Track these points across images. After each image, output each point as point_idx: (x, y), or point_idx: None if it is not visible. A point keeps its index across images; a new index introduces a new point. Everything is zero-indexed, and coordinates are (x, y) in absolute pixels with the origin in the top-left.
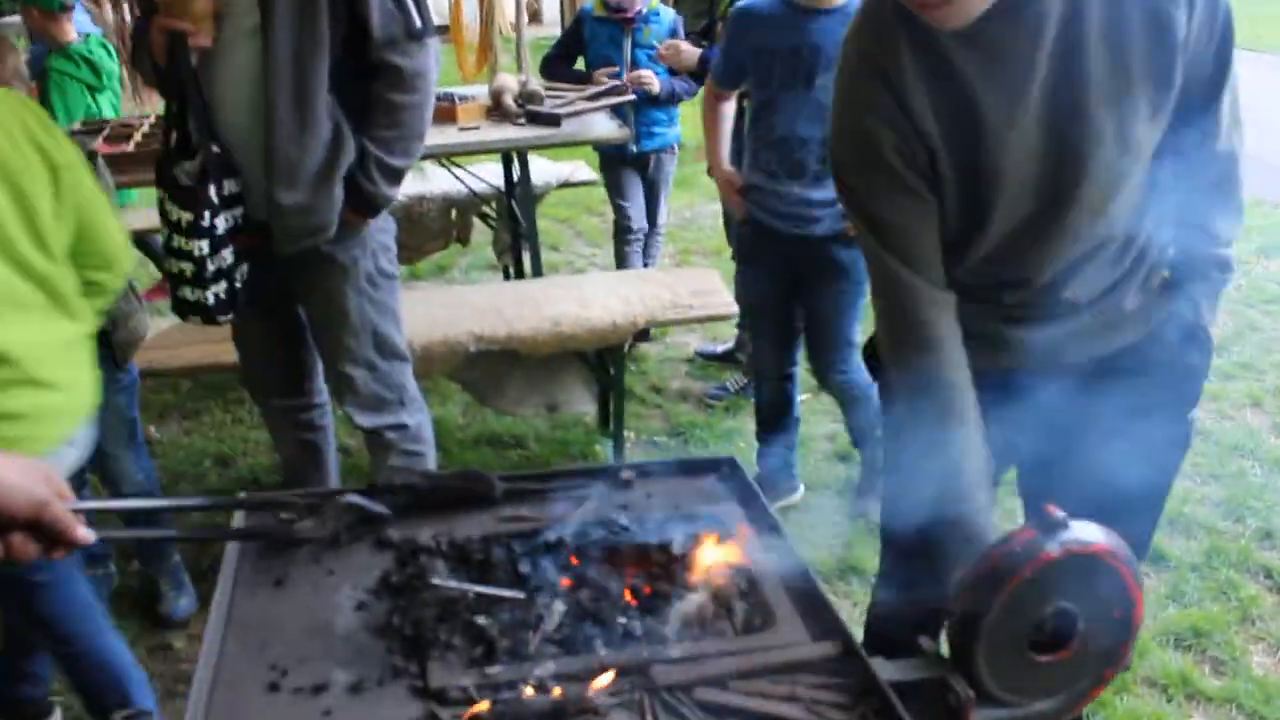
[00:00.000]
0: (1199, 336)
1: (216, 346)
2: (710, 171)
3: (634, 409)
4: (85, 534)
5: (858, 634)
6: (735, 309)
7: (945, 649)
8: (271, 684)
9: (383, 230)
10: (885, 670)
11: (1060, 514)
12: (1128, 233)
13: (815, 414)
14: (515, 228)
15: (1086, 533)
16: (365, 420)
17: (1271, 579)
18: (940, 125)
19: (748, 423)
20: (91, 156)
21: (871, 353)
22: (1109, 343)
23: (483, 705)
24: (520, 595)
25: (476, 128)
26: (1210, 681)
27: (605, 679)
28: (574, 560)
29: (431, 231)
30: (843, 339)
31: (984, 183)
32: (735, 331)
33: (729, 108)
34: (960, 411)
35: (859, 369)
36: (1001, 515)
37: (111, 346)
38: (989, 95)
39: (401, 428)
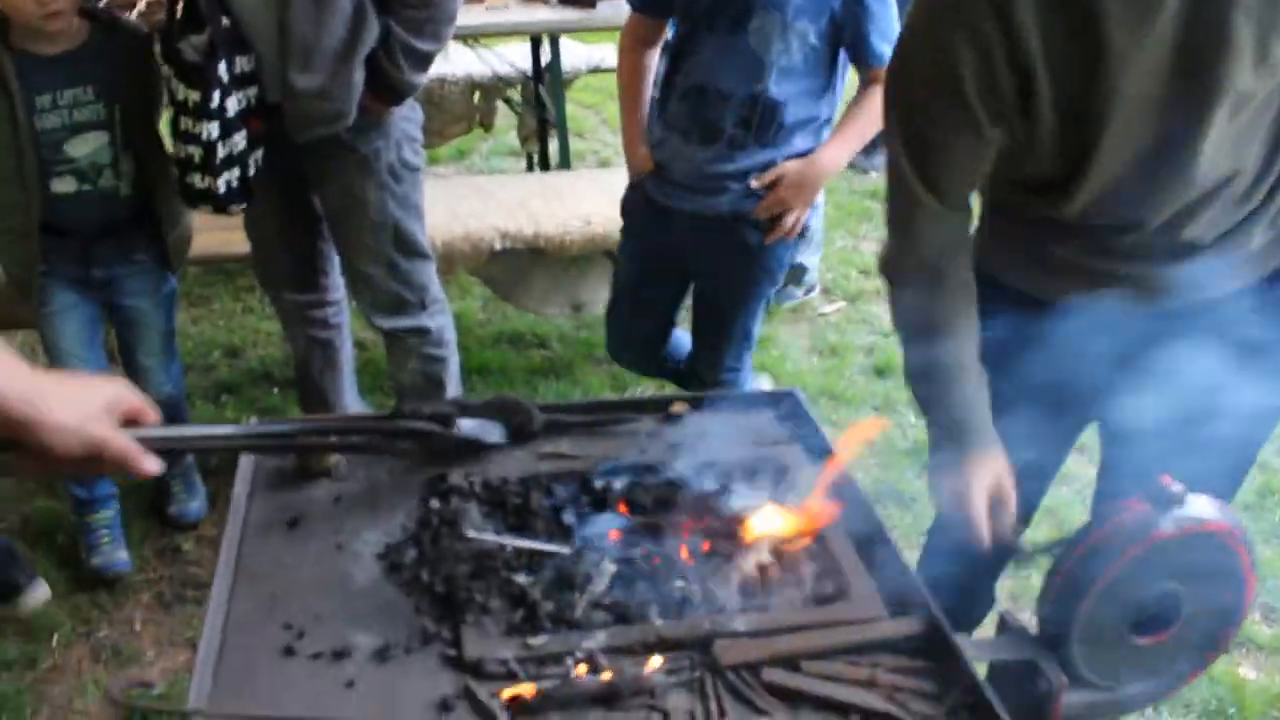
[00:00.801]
0: None
1: (228, 234)
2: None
3: None
4: (152, 465)
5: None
6: None
7: (1032, 626)
8: (286, 647)
9: (407, 119)
10: (972, 649)
11: (1176, 486)
12: (1261, 165)
13: (852, 323)
14: (542, 114)
15: (1203, 509)
16: (384, 322)
17: None
18: (1048, 43)
19: (781, 330)
20: None
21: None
22: (1228, 283)
23: (527, 688)
24: (565, 550)
25: (505, 6)
26: (1262, 630)
27: (659, 659)
28: (622, 509)
29: (453, 115)
30: (740, 334)
31: (1093, 113)
32: None
33: (653, 57)
34: (958, 337)
35: (749, 371)
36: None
37: (165, 248)
38: (1115, 4)
39: (422, 331)
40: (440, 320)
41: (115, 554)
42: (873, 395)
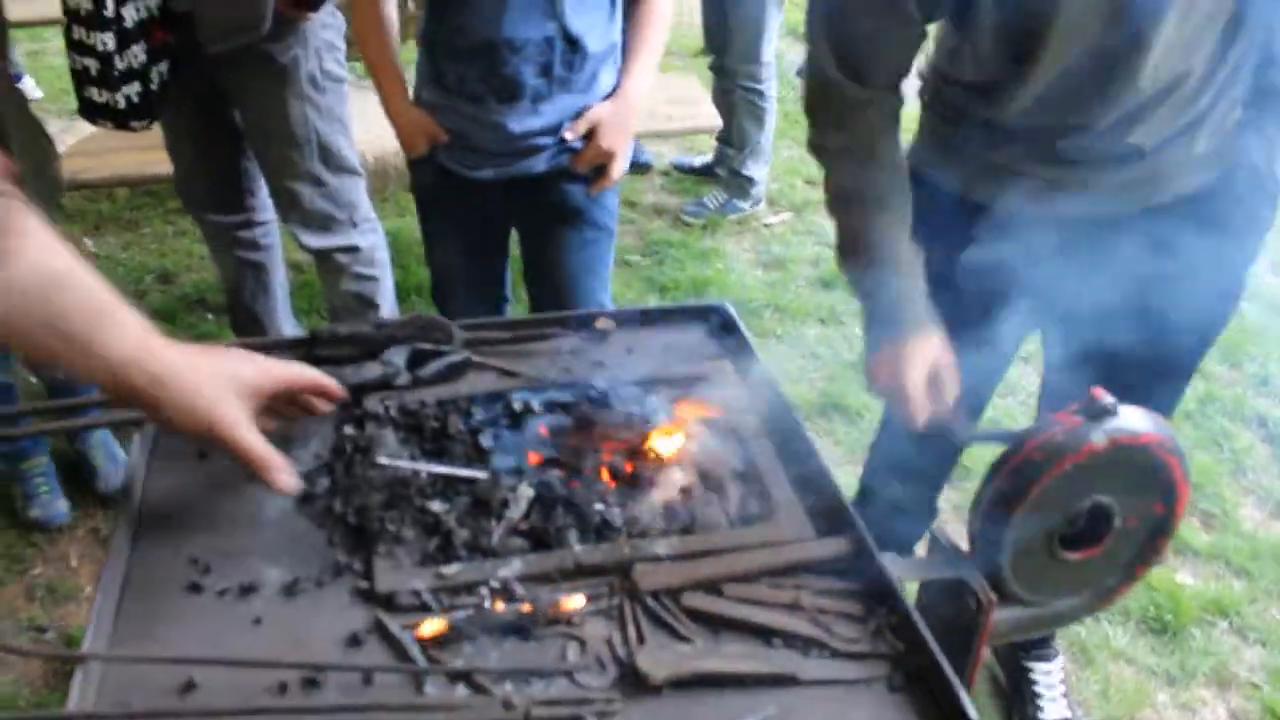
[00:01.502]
0: (1268, 186)
1: (150, 154)
2: (388, 114)
3: None
4: (288, 483)
5: (843, 476)
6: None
7: (964, 543)
8: (192, 584)
9: (327, 26)
10: (898, 568)
11: (1109, 399)
12: (1208, 67)
13: (798, 235)
14: None
15: (1135, 421)
16: (313, 241)
17: (1265, 428)
18: None
19: (726, 242)
20: None
21: None
22: (1169, 188)
23: (439, 623)
24: (482, 475)
25: None
26: (1199, 536)
27: (578, 598)
28: (543, 432)
29: None
30: (592, 305)
31: (1039, 11)
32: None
33: (393, 5)
34: (889, 214)
35: None
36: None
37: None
38: None
39: (353, 250)
40: (371, 239)
41: (55, 504)
42: (818, 307)
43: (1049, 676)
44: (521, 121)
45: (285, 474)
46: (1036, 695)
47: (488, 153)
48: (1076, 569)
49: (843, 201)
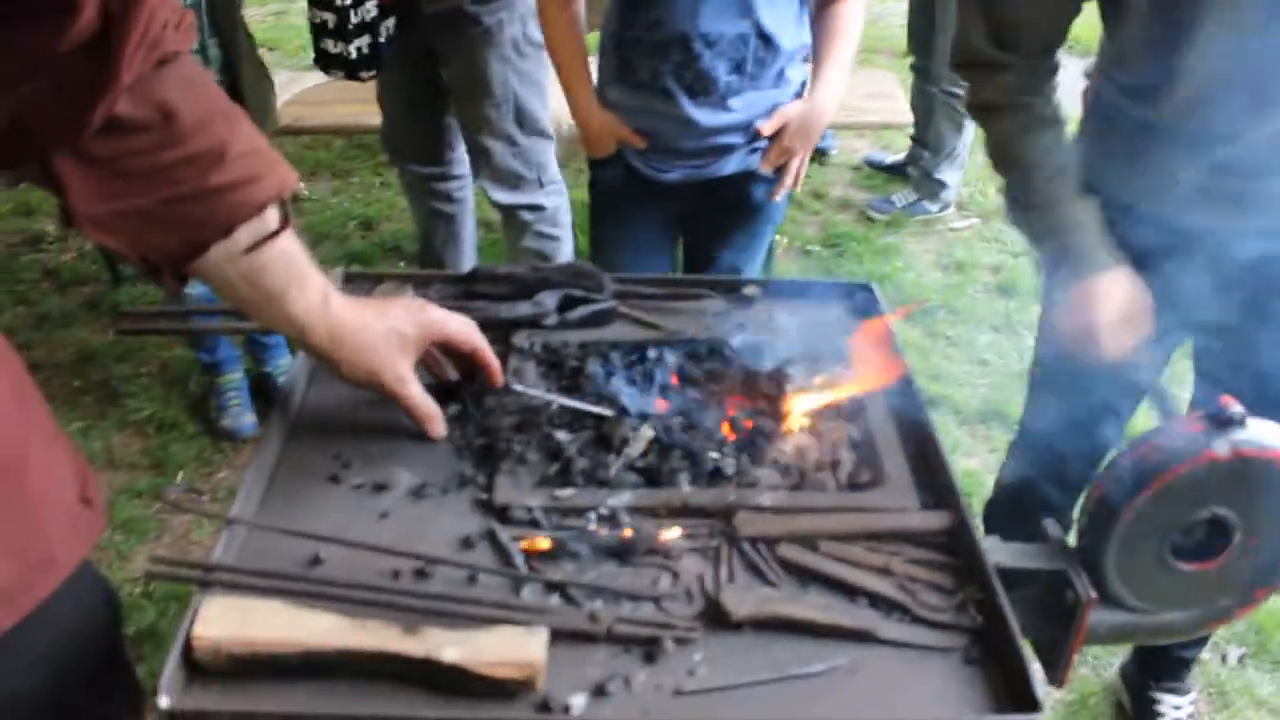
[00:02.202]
0: None
1: (363, 107)
2: (577, 117)
3: (790, 212)
4: (438, 429)
5: (992, 483)
6: (908, 117)
7: (1073, 539)
8: (333, 475)
9: None
10: (997, 553)
11: (1237, 408)
12: None
13: (983, 241)
14: None
15: (1266, 434)
16: (501, 196)
17: None
18: None
19: (908, 241)
20: None
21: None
22: None
23: (543, 542)
24: (608, 413)
25: None
26: None
27: (675, 530)
28: (675, 380)
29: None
30: None
31: (1184, 6)
32: (909, 142)
33: (582, 6)
34: (1052, 165)
35: None
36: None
37: None
38: None
39: (538, 209)
40: (556, 200)
41: (243, 417)
42: (993, 313)
43: (1178, 712)
44: (713, 116)
45: (438, 423)
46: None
47: (678, 151)
48: (1188, 581)
49: (1002, 157)
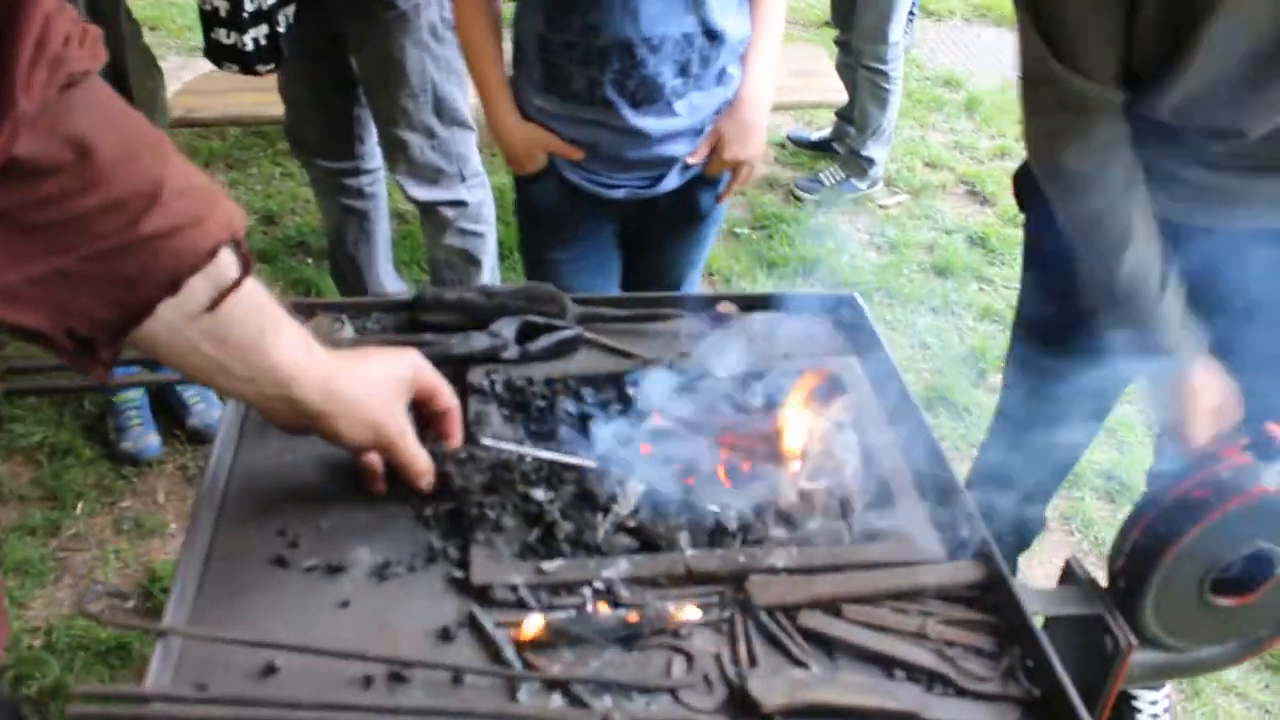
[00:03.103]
0: None
1: (261, 95)
2: (496, 130)
3: None
4: (427, 483)
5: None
6: (843, 95)
7: (1101, 575)
8: (279, 558)
9: None
10: (1031, 600)
11: None
12: None
13: (914, 218)
14: None
15: None
16: (420, 193)
17: None
18: None
19: (839, 221)
20: None
21: (1021, 182)
22: None
23: (538, 626)
24: (590, 464)
25: None
26: None
27: (692, 610)
28: (657, 420)
29: None
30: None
31: (1194, 6)
32: (833, 118)
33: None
34: (1133, 220)
35: None
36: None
37: None
38: None
39: (459, 204)
40: (479, 194)
41: (145, 438)
42: (931, 295)
43: (1154, 706)
44: (659, 124)
45: (430, 477)
46: None
47: (622, 163)
48: (1225, 616)
49: (1091, 232)
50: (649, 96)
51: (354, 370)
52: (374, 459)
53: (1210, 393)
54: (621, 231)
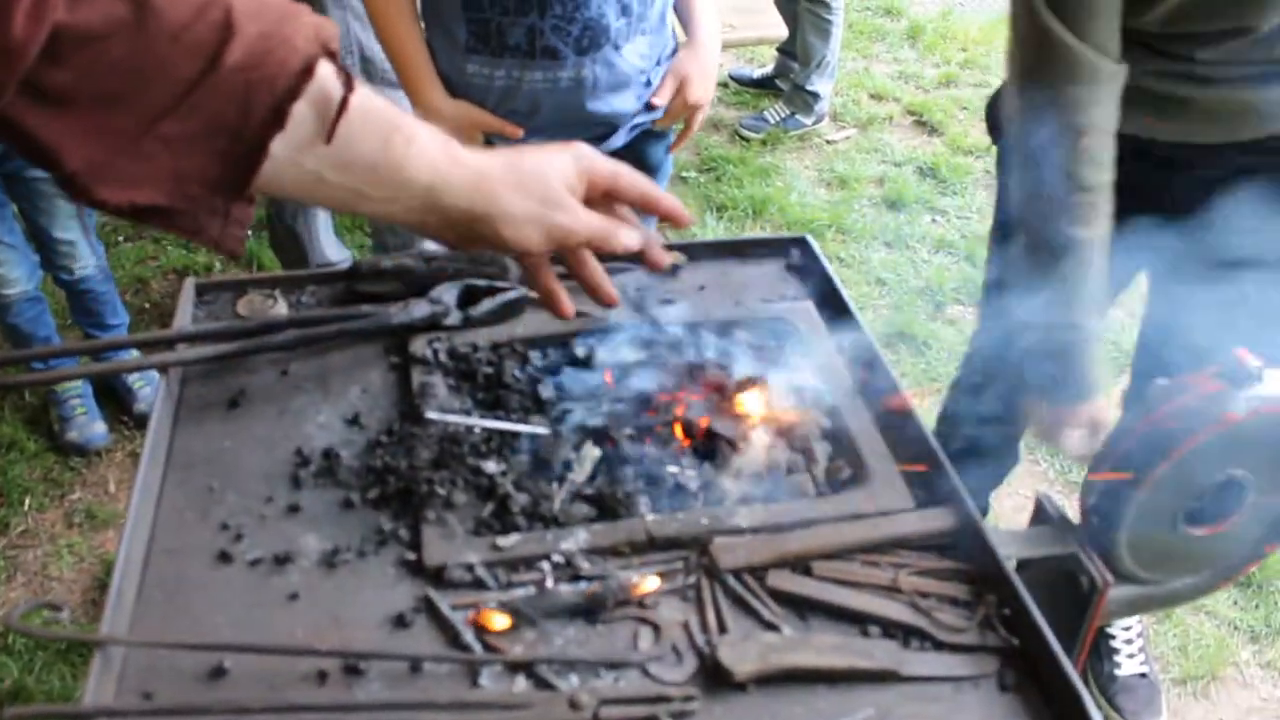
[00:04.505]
0: None
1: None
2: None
3: None
4: (631, 239)
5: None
6: (784, 31)
7: (1072, 512)
8: (222, 552)
9: None
10: (1003, 542)
11: (1254, 361)
12: None
13: (862, 152)
14: None
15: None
16: None
17: None
18: None
19: (787, 159)
20: None
21: (993, 111)
22: None
23: (494, 611)
24: (542, 431)
25: None
26: None
27: (653, 580)
28: (608, 380)
29: None
30: None
31: None
32: (775, 54)
33: None
34: (1095, 208)
35: None
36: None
37: None
38: None
39: None
40: None
41: (91, 427)
42: (884, 230)
43: (1127, 631)
44: (608, 72)
45: (630, 230)
46: (1113, 651)
47: (568, 123)
48: (1200, 546)
49: (1035, 208)
50: (594, 41)
51: (510, 167)
52: (549, 279)
53: (1090, 423)
54: None
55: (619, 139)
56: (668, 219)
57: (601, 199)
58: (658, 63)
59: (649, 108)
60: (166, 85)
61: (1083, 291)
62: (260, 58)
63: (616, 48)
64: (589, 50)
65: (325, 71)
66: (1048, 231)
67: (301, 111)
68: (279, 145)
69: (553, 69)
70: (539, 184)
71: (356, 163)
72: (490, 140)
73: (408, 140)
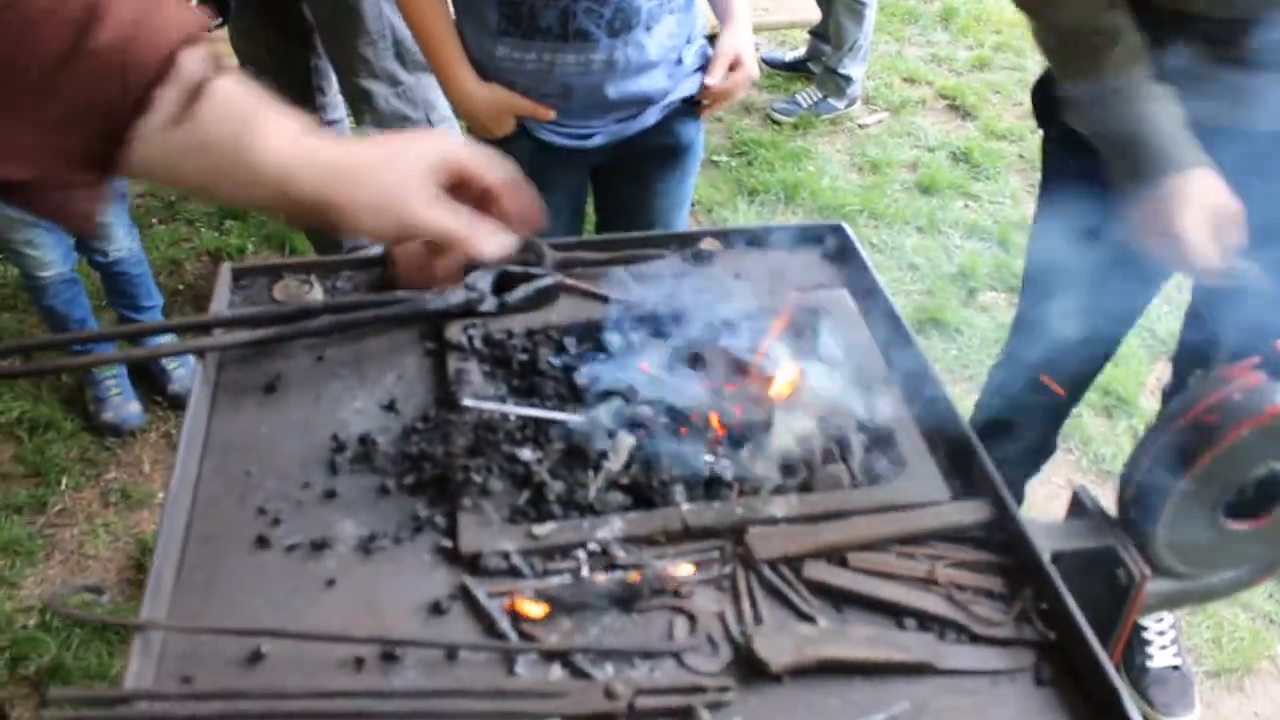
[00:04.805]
0: None
1: (222, 47)
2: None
3: None
4: (493, 246)
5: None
6: (816, 14)
7: (1110, 505)
8: (260, 537)
9: None
10: (1040, 535)
11: None
12: None
13: (894, 136)
14: None
15: None
16: None
17: None
18: None
19: (818, 143)
20: None
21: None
22: None
23: (531, 599)
24: (577, 419)
25: None
26: None
27: (686, 567)
28: (644, 368)
29: None
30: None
31: None
32: (807, 37)
33: None
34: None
35: None
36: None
37: None
38: None
39: None
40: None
41: (126, 407)
42: (916, 214)
43: (1160, 623)
44: (639, 53)
45: (492, 235)
46: (1145, 642)
47: (599, 105)
48: (1239, 540)
49: (1068, 46)
50: (626, 23)
51: (364, 156)
52: (454, 223)
53: (1207, 202)
54: (597, 173)
55: (651, 117)
56: (511, 216)
57: (464, 188)
58: (688, 40)
59: (700, 89)
60: (33, 62)
61: (1137, 67)
62: (128, 41)
63: (648, 29)
64: (620, 32)
65: (191, 56)
66: (1083, 63)
67: (167, 95)
68: (143, 126)
69: (585, 51)
70: (390, 174)
71: (211, 148)
72: (522, 123)
73: (261, 129)
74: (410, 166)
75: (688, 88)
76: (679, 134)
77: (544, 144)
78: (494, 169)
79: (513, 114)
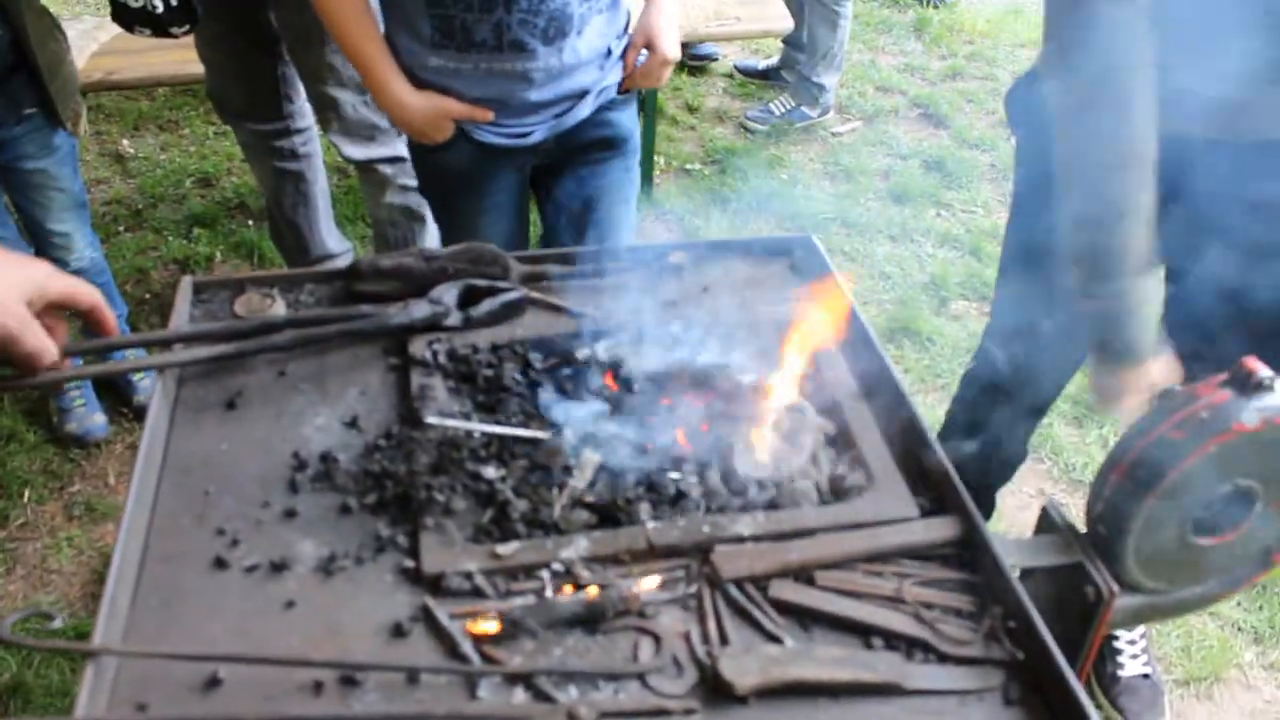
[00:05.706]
0: None
1: (187, 53)
2: (388, 105)
3: (665, 130)
4: (50, 358)
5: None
6: (789, 23)
7: (1079, 521)
8: (218, 559)
9: None
10: (1009, 551)
11: (1265, 371)
12: None
13: (868, 145)
14: None
15: None
16: (355, 151)
17: None
18: None
19: (791, 151)
20: None
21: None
22: None
23: (492, 620)
24: (542, 435)
25: None
26: None
27: (651, 579)
28: (610, 382)
29: None
30: (626, 238)
31: None
32: (780, 45)
33: None
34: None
35: None
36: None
37: (48, 103)
38: None
39: (398, 160)
40: None
41: (91, 419)
42: (889, 223)
43: (1131, 632)
44: (573, 55)
45: (53, 354)
46: (1116, 651)
47: (534, 105)
48: (1206, 555)
49: (1078, 166)
50: (560, 30)
51: None
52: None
53: (1153, 381)
54: (538, 178)
55: (585, 108)
56: (102, 332)
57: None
58: (618, 36)
59: (622, 70)
60: None
61: (1130, 252)
62: None
63: (579, 33)
64: (555, 39)
65: None
66: (1102, 194)
67: None
68: None
69: (521, 60)
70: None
71: None
72: (461, 126)
73: None
74: (15, 289)
75: (616, 75)
76: (615, 124)
77: (483, 145)
78: (83, 290)
79: (450, 119)
